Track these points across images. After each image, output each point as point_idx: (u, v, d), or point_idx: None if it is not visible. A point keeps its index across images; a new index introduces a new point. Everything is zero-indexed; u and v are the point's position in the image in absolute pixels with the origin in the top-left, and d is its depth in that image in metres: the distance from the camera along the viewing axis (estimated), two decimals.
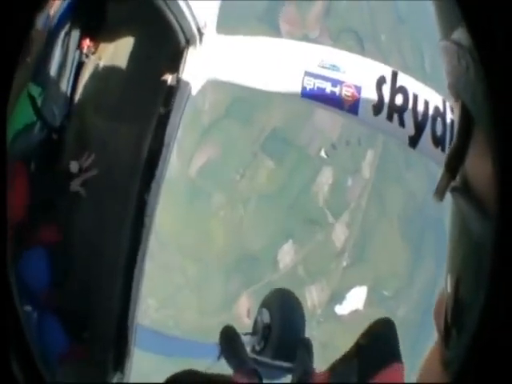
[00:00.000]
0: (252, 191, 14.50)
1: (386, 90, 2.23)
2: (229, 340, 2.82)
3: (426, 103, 2.27)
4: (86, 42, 3.14)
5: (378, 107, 2.27)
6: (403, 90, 2.28)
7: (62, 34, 2.93)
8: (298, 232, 14.89)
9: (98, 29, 3.07)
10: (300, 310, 3.34)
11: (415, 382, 0.77)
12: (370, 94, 2.30)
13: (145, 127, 2.81)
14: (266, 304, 3.34)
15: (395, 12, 15.45)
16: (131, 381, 2.86)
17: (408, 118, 2.28)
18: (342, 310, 14.54)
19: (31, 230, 2.65)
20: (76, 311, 2.70)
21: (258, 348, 3.16)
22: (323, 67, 2.37)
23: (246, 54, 2.73)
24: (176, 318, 12.91)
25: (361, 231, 14.98)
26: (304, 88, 2.39)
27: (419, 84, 2.32)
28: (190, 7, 2.50)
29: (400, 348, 2.00)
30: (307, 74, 2.41)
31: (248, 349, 3.15)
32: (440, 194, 0.64)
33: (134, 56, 2.95)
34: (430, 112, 2.25)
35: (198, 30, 2.66)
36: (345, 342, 2.19)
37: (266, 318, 3.16)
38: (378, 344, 2.04)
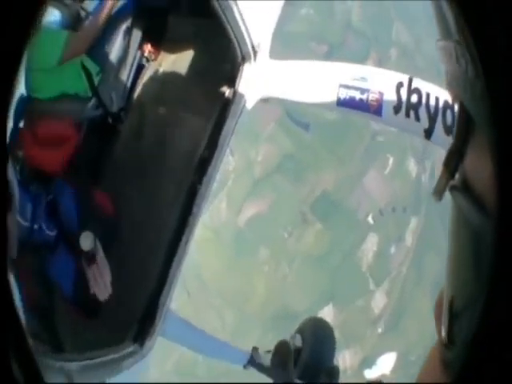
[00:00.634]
0: (298, 251, 14.61)
1: (404, 92, 2.57)
2: (283, 354, 2.95)
3: (437, 99, 2.55)
4: (148, 47, 3.43)
5: (397, 107, 2.60)
6: (417, 91, 2.59)
7: (124, 26, 3.22)
8: (339, 296, 14.81)
9: (159, 38, 3.40)
10: (331, 339, 3.42)
11: (415, 381, 0.75)
12: (390, 97, 2.64)
13: (200, 130, 2.99)
14: (300, 330, 3.41)
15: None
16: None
17: (422, 113, 2.57)
18: (370, 374, 14.43)
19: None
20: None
21: None
22: (354, 79, 2.77)
23: (291, 73, 3.12)
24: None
25: (398, 299, 14.90)
26: (339, 98, 2.79)
27: (431, 84, 2.62)
28: (246, 27, 2.72)
29: None
30: (341, 86, 2.82)
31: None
32: (439, 193, 0.65)
33: (194, 66, 3.25)
34: (441, 105, 2.53)
35: (253, 48, 2.87)
36: None
37: (298, 342, 3.26)
38: None
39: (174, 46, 3.39)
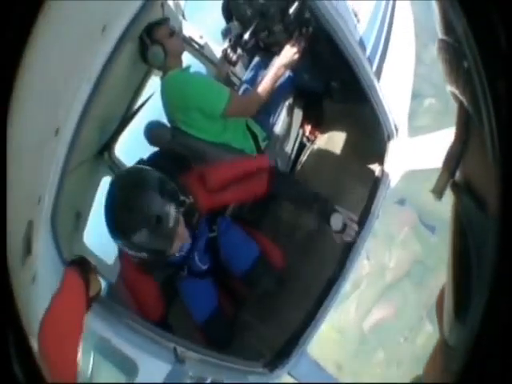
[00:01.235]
0: (409, 354, 13.64)
1: None
2: None
3: None
4: (309, 128, 3.70)
5: None
6: None
7: (287, 102, 3.44)
8: None
9: (318, 120, 3.68)
10: None
11: (416, 381, 0.76)
12: None
13: (355, 204, 3.13)
14: None
15: None
16: None
17: None
18: None
19: None
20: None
21: None
22: None
23: (424, 146, 3.39)
24: None
25: None
26: None
27: None
28: (389, 106, 3.01)
29: None
30: None
31: None
32: (438, 192, 0.64)
33: (346, 146, 3.52)
34: None
35: (395, 126, 3.14)
36: None
37: None
38: None
39: (330, 127, 3.68)
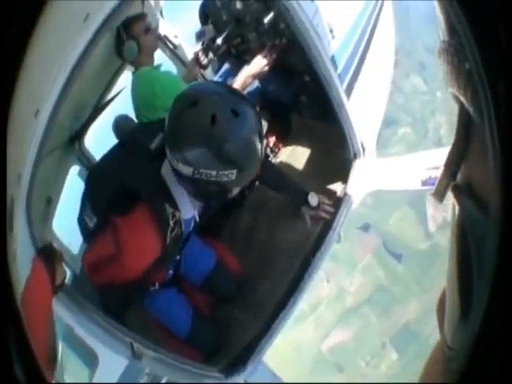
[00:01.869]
0: (372, 378, 13.77)
1: None
2: None
3: None
4: (273, 140, 3.66)
5: None
6: None
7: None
8: None
9: (283, 133, 3.66)
10: None
11: (417, 381, 0.76)
12: None
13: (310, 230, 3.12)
14: None
15: None
16: None
17: None
18: None
19: None
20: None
21: None
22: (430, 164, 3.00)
23: (389, 167, 3.42)
24: None
25: None
26: (421, 180, 3.02)
27: None
28: (357, 125, 3.01)
29: None
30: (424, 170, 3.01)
31: None
32: (439, 194, 0.64)
33: (309, 162, 3.49)
34: None
35: (362, 145, 3.14)
36: None
37: None
38: None
39: (294, 142, 3.65)
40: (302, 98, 3.47)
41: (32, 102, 1.43)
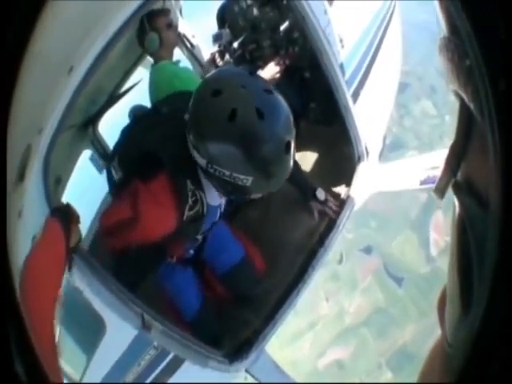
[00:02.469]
0: None
1: None
2: None
3: None
4: None
5: None
6: None
7: None
8: None
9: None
10: None
11: (417, 379, 0.77)
12: None
13: (316, 226, 3.27)
14: None
15: None
16: None
17: None
18: None
19: None
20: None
21: None
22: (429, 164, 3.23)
23: (390, 170, 3.63)
24: None
25: None
26: (420, 180, 3.24)
27: None
28: (362, 129, 3.17)
29: None
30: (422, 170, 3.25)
31: None
32: (440, 191, 0.64)
33: (316, 164, 3.59)
34: None
35: (366, 149, 3.28)
36: None
37: None
38: None
39: (299, 145, 3.82)
40: (311, 104, 3.60)
41: (67, 59, 1.51)
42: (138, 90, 3.63)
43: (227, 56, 3.50)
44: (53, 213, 1.78)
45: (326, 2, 2.95)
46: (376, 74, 3.40)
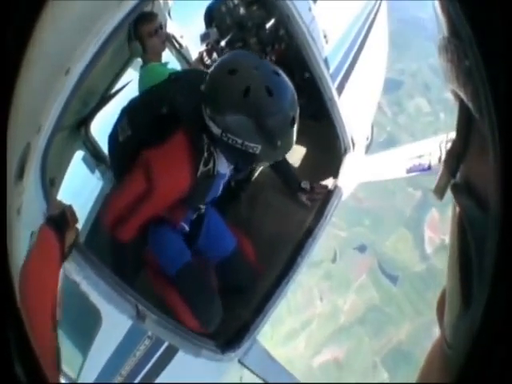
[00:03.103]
0: None
1: (443, 146, 2.98)
2: None
3: None
4: None
5: (440, 158, 3.02)
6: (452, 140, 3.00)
7: None
8: None
9: None
10: None
11: (416, 378, 0.75)
12: (436, 153, 3.07)
13: (307, 213, 3.35)
14: None
15: None
16: None
17: None
18: None
19: None
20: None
21: None
22: (415, 153, 3.29)
23: (377, 160, 3.69)
24: None
25: None
26: (406, 168, 3.32)
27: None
28: (347, 121, 3.25)
29: None
30: (408, 159, 3.33)
31: None
32: (440, 192, 0.64)
33: (303, 157, 3.67)
34: None
35: (352, 140, 3.37)
36: None
37: None
38: None
39: None
40: (300, 100, 3.67)
41: (64, 60, 1.59)
42: (129, 91, 3.69)
43: (215, 55, 3.56)
44: (47, 221, 1.81)
45: (310, 0, 3.01)
46: (361, 67, 3.48)
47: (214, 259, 2.92)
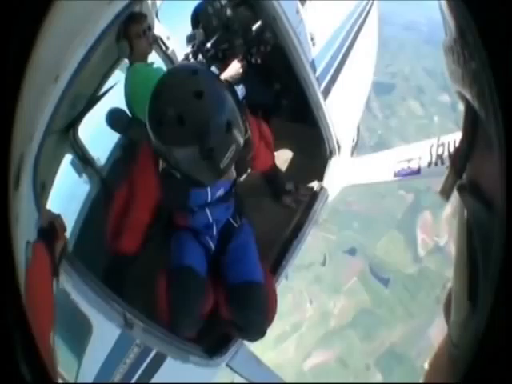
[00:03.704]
0: None
1: (434, 150, 3.00)
2: None
3: (455, 141, 2.88)
4: None
5: (430, 163, 3.03)
6: (442, 144, 3.00)
7: None
8: None
9: None
10: None
11: (422, 379, 0.76)
12: (426, 158, 3.09)
13: (292, 215, 3.31)
14: None
15: None
16: None
17: (445, 156, 2.95)
18: None
19: None
20: None
21: None
22: (403, 156, 3.30)
23: (363, 163, 3.68)
24: None
25: None
26: (394, 172, 3.32)
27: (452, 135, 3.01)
28: (333, 124, 3.23)
29: None
30: (396, 163, 3.33)
31: None
32: (446, 193, 0.64)
33: (289, 160, 3.64)
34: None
35: (338, 143, 3.35)
36: None
37: None
38: None
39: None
40: (283, 101, 3.67)
41: (54, 67, 1.58)
42: (115, 93, 3.68)
43: (200, 56, 3.55)
44: (38, 236, 1.83)
45: (298, 2, 3.01)
46: (348, 70, 3.47)
47: (234, 279, 2.63)
